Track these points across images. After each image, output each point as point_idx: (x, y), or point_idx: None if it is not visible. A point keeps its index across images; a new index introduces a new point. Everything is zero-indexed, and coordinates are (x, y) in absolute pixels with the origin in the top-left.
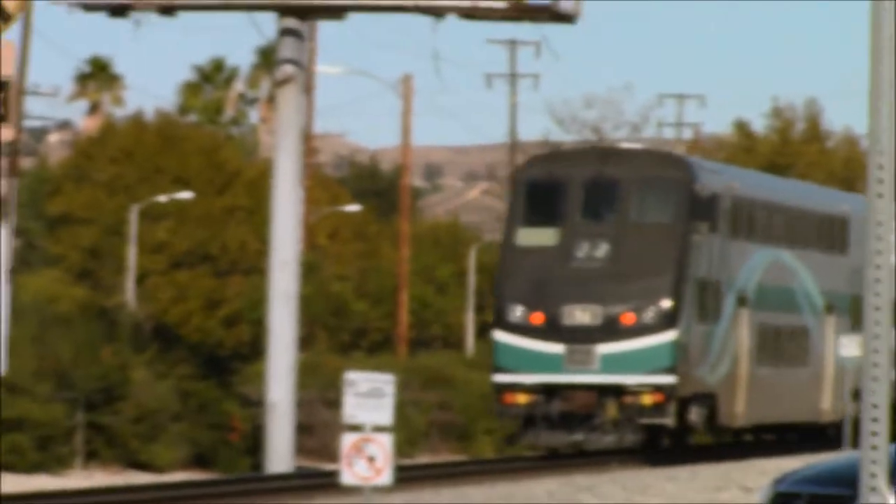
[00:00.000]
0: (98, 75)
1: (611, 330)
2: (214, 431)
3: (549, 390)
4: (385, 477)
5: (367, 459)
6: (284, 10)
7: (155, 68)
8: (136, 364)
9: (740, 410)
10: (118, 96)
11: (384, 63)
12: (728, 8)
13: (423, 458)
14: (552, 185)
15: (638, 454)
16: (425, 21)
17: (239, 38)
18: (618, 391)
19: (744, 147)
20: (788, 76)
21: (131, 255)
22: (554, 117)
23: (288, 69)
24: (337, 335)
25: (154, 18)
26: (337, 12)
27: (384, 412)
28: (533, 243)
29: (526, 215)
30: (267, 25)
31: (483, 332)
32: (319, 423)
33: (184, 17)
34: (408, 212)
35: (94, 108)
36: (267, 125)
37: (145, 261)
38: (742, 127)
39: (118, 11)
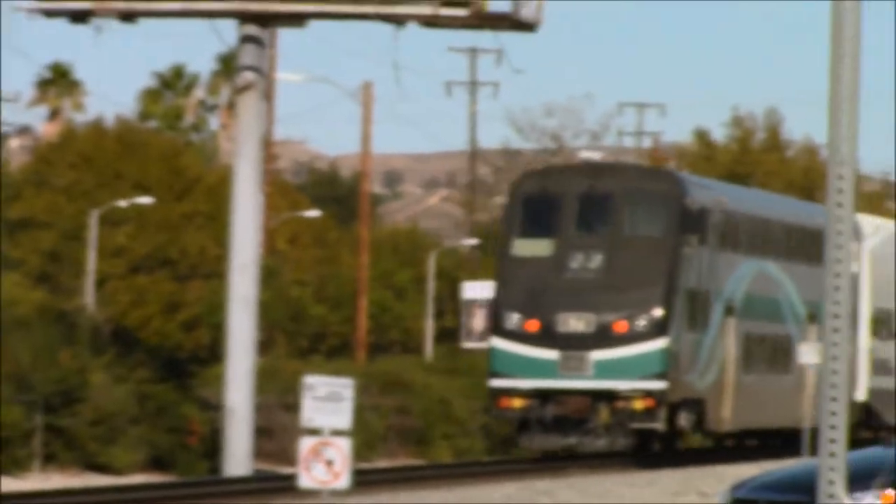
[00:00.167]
0: (59, 81)
1: (604, 337)
2: (173, 434)
3: (544, 395)
4: (343, 481)
5: (326, 463)
6: (245, 18)
7: (115, 75)
8: (94, 367)
9: (727, 416)
10: (79, 102)
11: (344, 70)
12: (688, 17)
13: (381, 463)
14: (547, 198)
15: (597, 459)
16: (386, 29)
17: (199, 45)
18: (610, 396)
19: (703, 156)
20: (748, 85)
21: (91, 259)
22: (513, 125)
23: (248, 76)
24: (296, 340)
25: (115, 25)
26: (297, 19)
27: (342, 416)
28: (528, 254)
29: (522, 227)
30: (227, 32)
31: (442, 337)
32: (278, 427)
33: (144, 24)
34: (367, 218)
35: (54, 114)
36: (227, 132)
37: (105, 265)
38: (702, 136)
39: (79, 18)
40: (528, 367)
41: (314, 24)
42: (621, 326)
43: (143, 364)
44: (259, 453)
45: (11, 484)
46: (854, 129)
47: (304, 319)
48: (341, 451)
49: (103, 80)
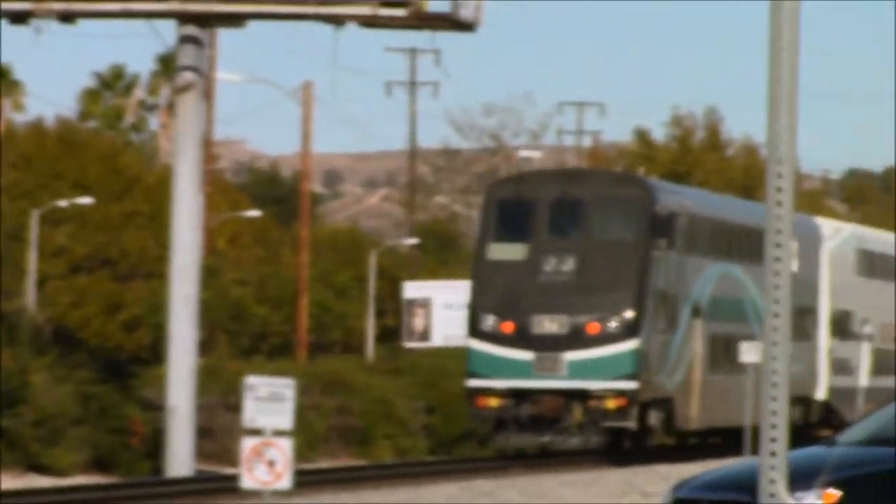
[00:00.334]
0: None
1: (577, 339)
2: (115, 435)
3: (519, 395)
4: (285, 481)
5: (268, 463)
6: (184, 18)
7: (55, 75)
8: (35, 368)
9: (694, 414)
10: (19, 102)
11: (284, 70)
12: (628, 17)
13: (323, 463)
14: (521, 203)
15: (539, 459)
16: (326, 29)
17: (139, 46)
18: (583, 396)
19: (643, 155)
20: (688, 85)
21: (31, 259)
22: (453, 125)
23: (188, 76)
24: (237, 339)
25: (55, 26)
26: (237, 20)
27: (284, 416)
28: (503, 258)
29: (496, 232)
30: (167, 33)
31: (383, 337)
32: (220, 427)
33: (84, 25)
34: (307, 217)
35: None
36: (167, 132)
37: (45, 265)
38: (642, 135)
39: (18, 18)
40: (503, 368)
41: (253, 25)
42: (594, 328)
43: (85, 365)
44: (201, 454)
45: None
46: (793, 128)
47: (245, 319)
48: (283, 451)
49: (43, 80)
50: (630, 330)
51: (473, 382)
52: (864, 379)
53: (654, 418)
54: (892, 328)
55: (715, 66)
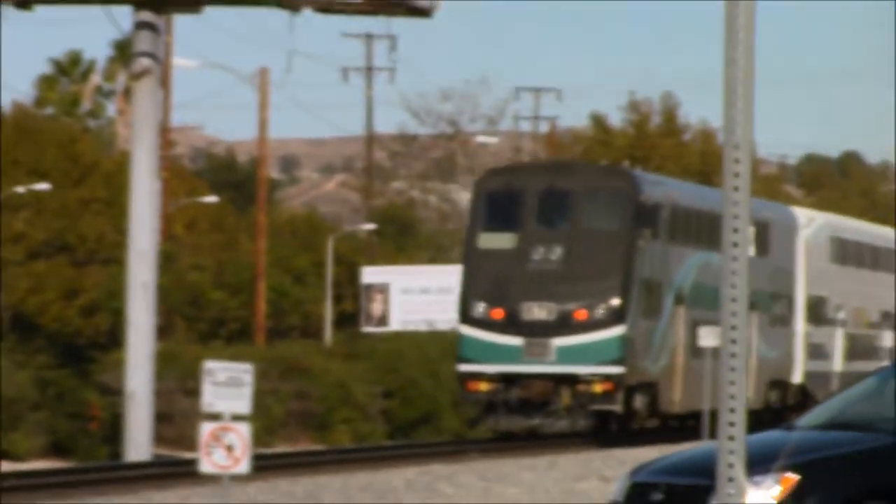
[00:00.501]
0: None
1: (565, 325)
2: (73, 420)
3: (509, 379)
4: (243, 466)
5: (226, 448)
6: (140, 4)
7: (11, 61)
8: None
9: (677, 398)
10: None
11: (240, 56)
12: (584, 2)
13: (282, 447)
14: (510, 194)
15: (497, 443)
16: (282, 15)
17: (95, 32)
18: (571, 380)
19: (600, 140)
20: (645, 70)
21: None
22: (410, 110)
23: (144, 62)
24: (195, 325)
25: (11, 12)
26: (193, 5)
27: (243, 401)
28: (493, 247)
29: (486, 221)
30: (123, 19)
31: (341, 322)
32: (178, 412)
33: (41, 11)
34: (265, 203)
35: None
36: (124, 118)
37: (3, 251)
38: (599, 120)
39: None
40: (493, 353)
41: (209, 10)
42: (581, 315)
43: (43, 350)
44: (159, 438)
45: None
46: (749, 113)
47: (203, 304)
48: (241, 436)
49: None
50: (616, 316)
51: (464, 367)
52: (838, 363)
53: (639, 402)
54: (864, 313)
55: (671, 52)
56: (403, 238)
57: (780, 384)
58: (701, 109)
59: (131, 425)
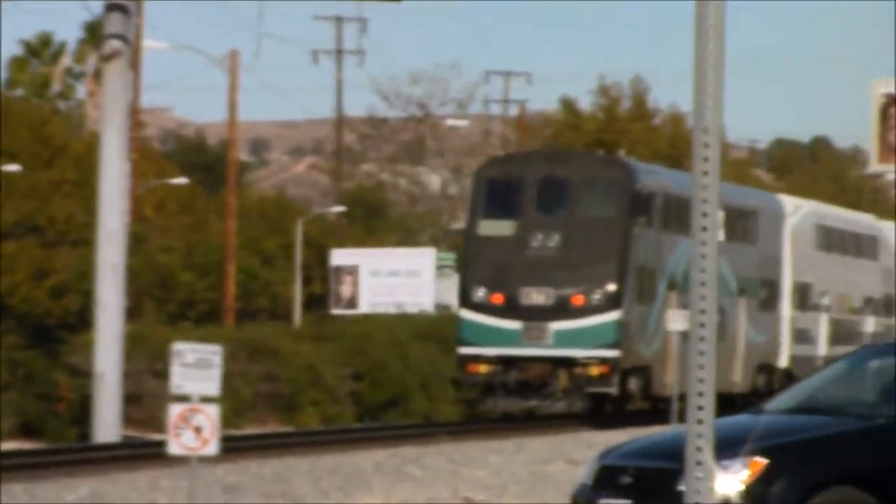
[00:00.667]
0: None
1: (562, 309)
2: (42, 401)
3: (508, 362)
4: (212, 447)
5: (194, 430)
6: None
7: None
8: None
9: (670, 381)
10: None
11: (210, 39)
12: None
13: (250, 429)
14: (509, 182)
15: (465, 426)
16: None
17: (66, 14)
18: (568, 363)
19: (570, 124)
20: (614, 54)
21: None
22: (379, 93)
23: (114, 44)
24: (164, 306)
25: None
26: None
27: (211, 383)
28: (493, 233)
29: (486, 209)
30: (94, 1)
31: (310, 304)
32: (147, 394)
33: None
34: (234, 185)
35: None
36: (94, 100)
37: None
38: (568, 104)
39: None
40: (493, 336)
41: None
42: (578, 300)
43: (13, 331)
44: (128, 420)
45: None
46: (719, 97)
47: (172, 286)
48: (210, 417)
49: None
50: (612, 302)
51: (464, 350)
52: (822, 348)
53: (633, 384)
54: (847, 299)
55: (641, 36)
56: (373, 221)
57: (767, 368)
58: (671, 94)
59: (100, 407)
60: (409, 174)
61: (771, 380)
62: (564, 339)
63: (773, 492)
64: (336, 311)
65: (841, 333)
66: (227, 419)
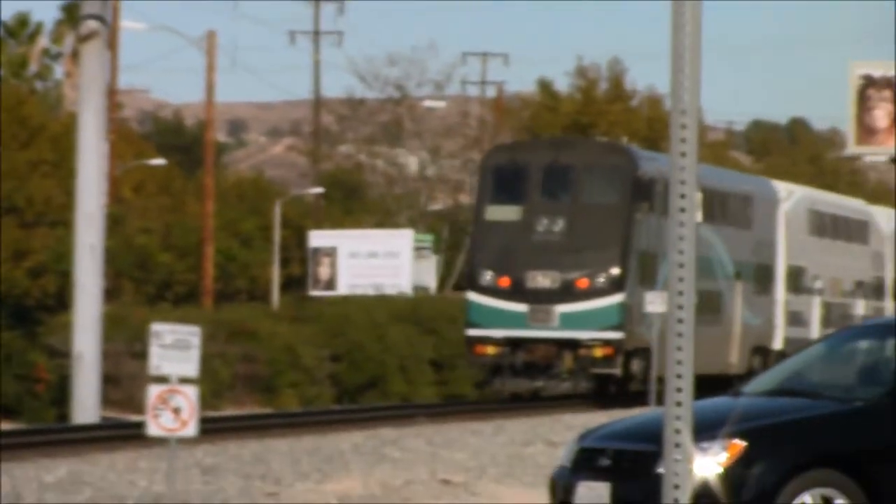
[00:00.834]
0: None
1: (568, 292)
2: (21, 382)
3: (515, 343)
4: (190, 428)
5: (173, 411)
6: None
7: None
8: None
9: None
10: None
11: (188, 19)
12: None
13: (229, 410)
14: (515, 169)
15: (444, 407)
16: None
17: None
18: (573, 345)
19: (547, 106)
20: (592, 35)
21: None
22: (357, 74)
23: (92, 24)
24: (143, 287)
25: None
26: None
27: (190, 364)
28: (499, 218)
29: (493, 195)
30: None
31: (288, 285)
32: (125, 375)
33: None
34: (212, 166)
35: None
36: (71, 80)
37: None
38: (546, 86)
39: None
40: (500, 319)
41: None
42: (583, 283)
43: None
44: (107, 401)
45: None
46: (696, 79)
47: (150, 267)
48: (189, 398)
49: None
50: (616, 285)
51: (472, 332)
52: (815, 330)
53: (635, 366)
54: (839, 283)
55: (618, 17)
56: (351, 202)
57: (762, 350)
58: (648, 76)
59: (79, 388)
60: (386, 155)
61: (766, 361)
62: (569, 321)
63: (752, 474)
64: (314, 293)
65: (833, 316)
66: (206, 400)
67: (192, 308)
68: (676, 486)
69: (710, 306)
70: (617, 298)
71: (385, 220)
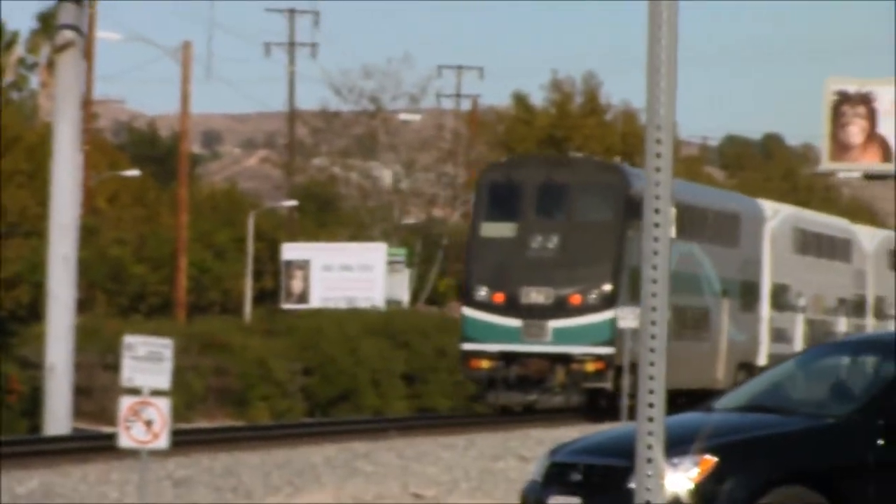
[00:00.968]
0: None
1: (561, 308)
2: None
3: (508, 357)
4: (162, 441)
5: (145, 423)
6: None
7: None
8: None
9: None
10: None
11: (163, 30)
12: None
13: (201, 423)
14: (510, 186)
15: (415, 421)
16: None
17: (19, 4)
18: (566, 359)
19: (522, 119)
20: (567, 49)
21: None
22: (332, 87)
23: (67, 35)
24: (116, 299)
25: None
26: None
27: (162, 376)
28: (495, 235)
29: (488, 212)
30: None
31: (261, 298)
32: (98, 386)
33: None
34: (186, 178)
35: None
36: (47, 90)
37: None
38: (521, 99)
39: None
40: (494, 333)
41: None
42: (576, 299)
43: None
44: (79, 412)
45: None
46: (672, 94)
47: (123, 279)
48: (161, 411)
49: None
50: (608, 301)
51: (467, 346)
52: (798, 347)
53: (627, 380)
54: (822, 300)
55: (594, 31)
56: (324, 215)
57: (747, 366)
58: (623, 90)
59: (51, 399)
60: (360, 168)
61: (750, 377)
62: (562, 336)
63: (723, 490)
64: (287, 306)
65: (815, 333)
66: (178, 413)
67: (165, 320)
68: (648, 502)
69: (697, 323)
70: (609, 314)
71: (359, 233)
